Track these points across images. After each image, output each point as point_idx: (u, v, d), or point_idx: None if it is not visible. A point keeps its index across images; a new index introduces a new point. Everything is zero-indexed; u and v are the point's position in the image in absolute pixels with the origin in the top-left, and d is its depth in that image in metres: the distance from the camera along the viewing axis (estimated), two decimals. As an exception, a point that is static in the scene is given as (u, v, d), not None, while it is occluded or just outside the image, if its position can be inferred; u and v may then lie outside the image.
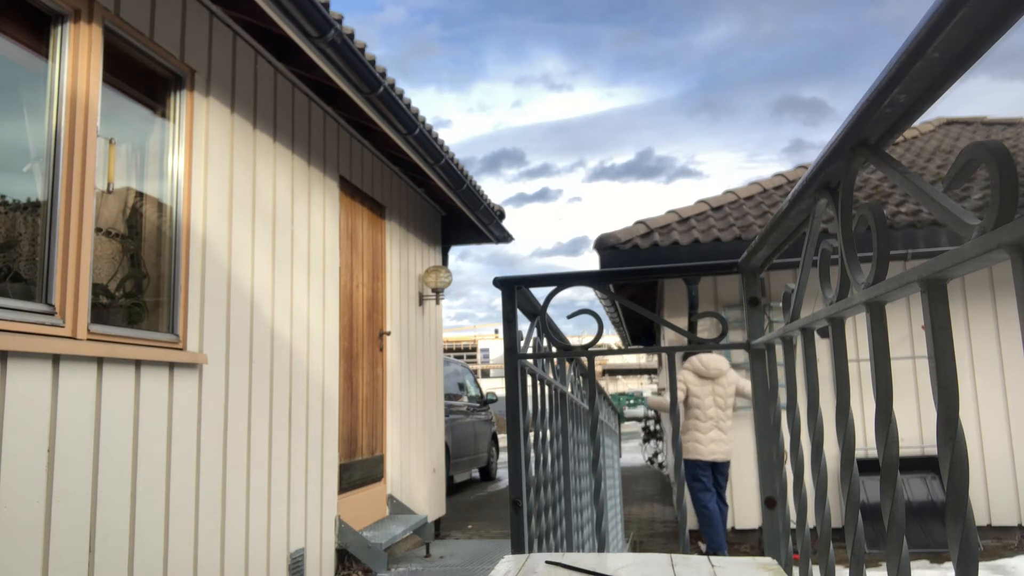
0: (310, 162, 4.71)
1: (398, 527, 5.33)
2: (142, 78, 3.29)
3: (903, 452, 6.20)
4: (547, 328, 1.83)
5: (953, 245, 0.98)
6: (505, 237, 8.01)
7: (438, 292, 6.98)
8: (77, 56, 2.78)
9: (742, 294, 1.65)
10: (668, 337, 8.45)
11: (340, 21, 3.83)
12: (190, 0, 3.50)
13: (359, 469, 5.32)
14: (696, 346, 1.78)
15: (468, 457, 10.41)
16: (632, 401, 33.92)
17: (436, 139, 5.50)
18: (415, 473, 6.40)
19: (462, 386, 10.75)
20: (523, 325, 1.73)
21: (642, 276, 2.03)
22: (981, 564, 4.81)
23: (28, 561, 2.41)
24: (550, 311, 1.84)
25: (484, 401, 11.56)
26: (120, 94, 3.14)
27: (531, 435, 1.71)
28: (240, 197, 3.85)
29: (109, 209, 3.05)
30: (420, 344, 6.81)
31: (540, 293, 1.84)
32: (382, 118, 4.78)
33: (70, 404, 2.61)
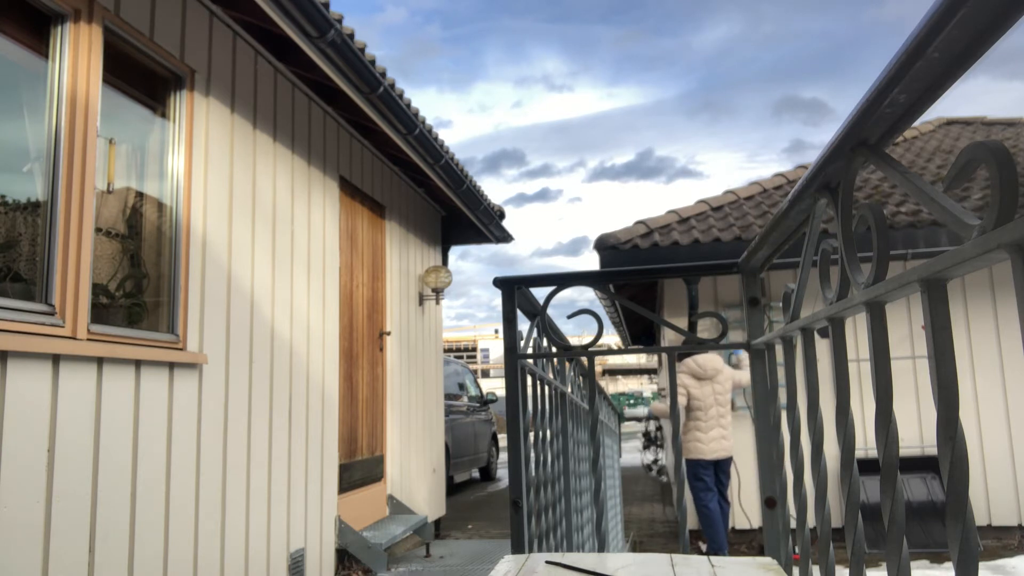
0: (310, 162, 4.71)
1: (398, 527, 5.33)
2: (142, 78, 3.29)
3: (903, 452, 6.20)
4: (547, 328, 1.83)
5: (953, 245, 0.98)
6: (505, 237, 8.01)
7: (438, 292, 6.98)
8: (77, 56, 2.78)
9: (742, 294, 1.65)
10: (668, 337, 8.45)
11: (340, 21, 3.83)
12: (190, 0, 3.50)
13: (359, 469, 5.32)
14: (696, 346, 1.78)
15: (468, 457, 10.41)
16: (632, 401, 33.92)
17: (436, 139, 5.50)
18: (415, 473, 6.40)
19: (462, 386, 10.74)
20: (523, 325, 1.74)
21: (642, 276, 2.03)
22: (981, 564, 4.81)
23: (28, 561, 2.41)
24: (550, 311, 1.84)
25: (484, 401, 11.55)
26: (120, 94, 3.14)
27: (531, 435, 1.71)
28: (240, 197, 3.85)
29: (109, 209, 3.05)
30: (420, 344, 6.81)
31: (540, 293, 1.84)
32: (382, 118, 4.78)
33: (70, 404, 2.61)
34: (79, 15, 2.79)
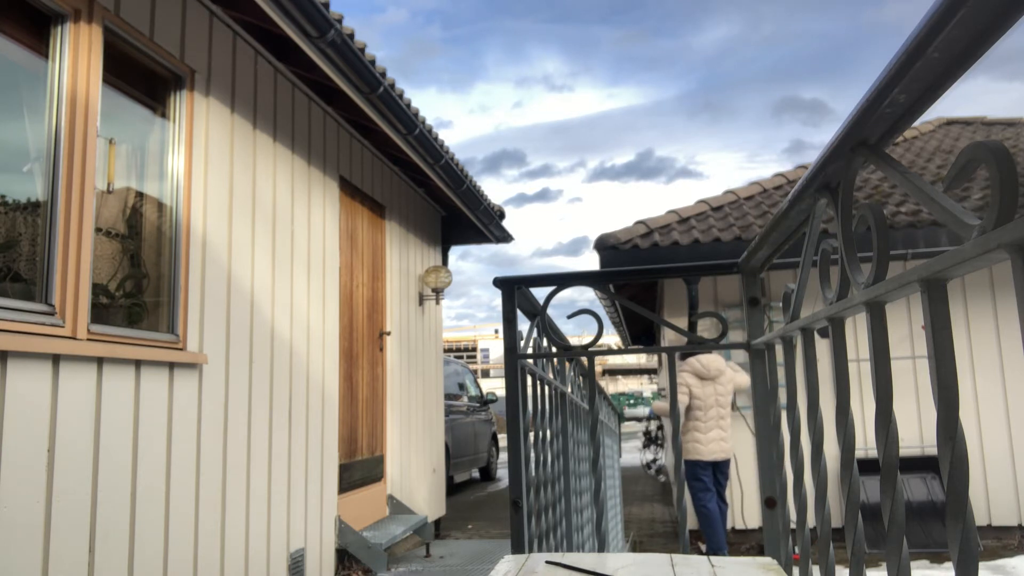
0: (310, 162, 4.71)
1: (398, 527, 5.33)
2: (142, 78, 3.29)
3: (903, 452, 6.20)
4: (547, 328, 1.83)
5: (953, 245, 0.98)
6: (505, 237, 8.01)
7: (438, 292, 6.98)
8: (77, 56, 2.78)
9: (742, 294, 1.65)
10: (668, 337, 8.45)
11: (340, 21, 3.83)
12: (190, 0, 3.50)
13: (359, 469, 5.32)
14: (696, 346, 1.78)
15: (468, 457, 10.41)
16: (632, 401, 33.91)
17: (436, 139, 5.50)
18: (415, 473, 6.40)
19: (462, 386, 10.75)
20: (523, 325, 1.74)
21: (642, 276, 2.03)
22: (981, 564, 4.81)
23: (28, 561, 2.41)
24: (550, 311, 1.84)
25: (484, 401, 11.55)
26: (120, 94, 3.14)
27: (531, 435, 1.71)
28: (240, 197, 3.85)
29: (109, 209, 3.05)
30: (420, 344, 6.81)
31: (540, 293, 1.84)
32: (382, 118, 4.78)
33: (70, 404, 2.61)
34: (79, 15, 2.79)
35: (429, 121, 5.39)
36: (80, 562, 2.62)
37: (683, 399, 5.54)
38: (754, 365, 1.64)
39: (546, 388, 1.84)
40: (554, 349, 1.95)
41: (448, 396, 8.98)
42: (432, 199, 7.20)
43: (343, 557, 4.82)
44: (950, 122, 9.50)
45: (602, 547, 1.77)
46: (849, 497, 0.88)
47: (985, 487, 6.22)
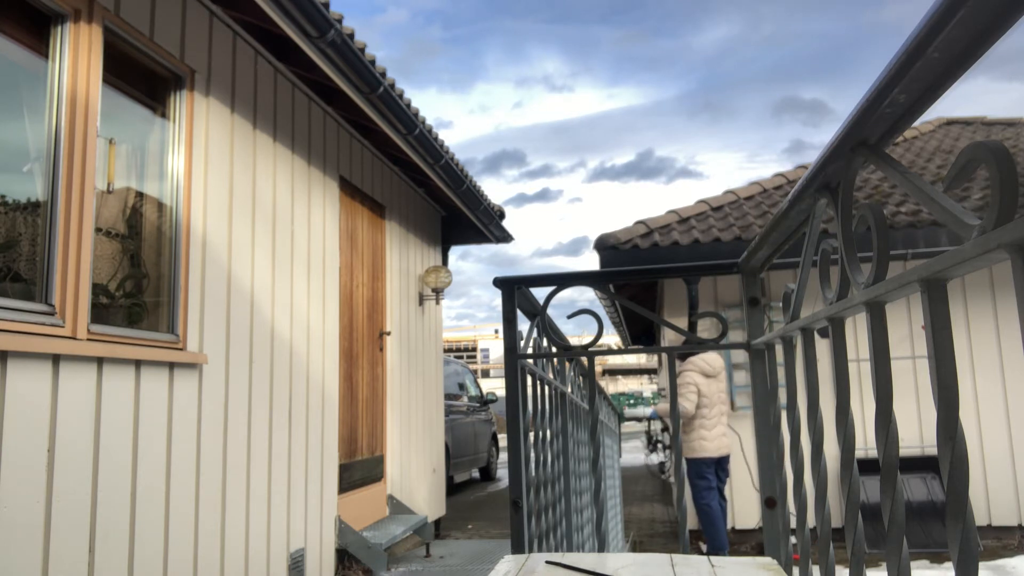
0: (310, 162, 4.71)
1: (398, 527, 5.33)
2: (142, 78, 3.29)
3: (903, 452, 6.20)
4: (547, 328, 1.83)
5: (953, 245, 0.98)
6: (505, 237, 8.01)
7: (438, 292, 6.98)
8: (77, 56, 2.78)
9: (742, 294, 1.65)
10: (668, 337, 8.45)
11: (340, 21, 3.83)
12: (190, 0, 3.50)
13: (359, 469, 5.32)
14: (696, 346, 1.78)
15: (468, 457, 10.41)
16: (632, 401, 33.88)
17: (436, 139, 5.50)
18: (415, 473, 6.40)
19: (462, 386, 10.74)
20: (523, 325, 1.74)
21: (642, 276, 2.03)
22: (981, 564, 4.81)
23: (28, 561, 2.41)
24: (550, 311, 1.84)
25: (484, 401, 11.55)
26: (120, 94, 3.14)
27: (531, 435, 1.71)
28: (240, 197, 3.85)
29: (109, 209, 3.05)
30: (420, 344, 6.81)
31: (540, 293, 1.84)
32: (382, 118, 4.78)
33: (70, 404, 2.61)
34: (79, 15, 2.79)
35: (429, 121, 5.39)
36: (80, 562, 2.62)
37: (693, 398, 5.57)
38: (754, 365, 1.64)
39: (546, 388, 1.84)
40: (554, 349, 1.95)
41: (448, 396, 8.98)
42: (432, 199, 7.20)
43: (343, 557, 4.82)
44: (950, 122, 9.50)
45: (602, 547, 1.77)
46: (849, 497, 0.88)
47: (985, 487, 6.22)
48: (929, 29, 0.58)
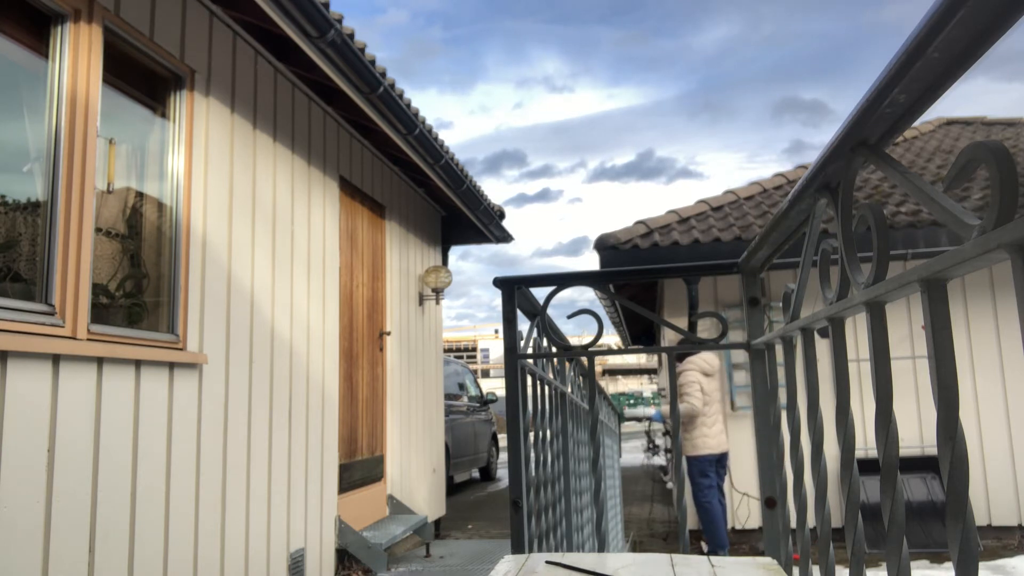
0: (310, 162, 4.71)
1: (398, 527, 5.33)
2: (142, 78, 3.29)
3: (903, 452, 6.20)
4: (547, 328, 1.83)
5: (953, 245, 0.98)
6: (505, 237, 8.01)
7: (438, 292, 6.98)
8: (77, 56, 2.78)
9: (742, 294, 1.65)
10: (668, 337, 8.45)
11: (340, 21, 3.83)
12: (190, 0, 3.50)
13: (359, 469, 5.32)
14: (696, 346, 1.78)
15: (468, 457, 10.41)
16: (632, 401, 33.89)
17: (436, 139, 5.50)
18: (415, 473, 6.40)
19: (462, 386, 10.74)
20: (523, 325, 1.74)
21: (642, 276, 2.03)
22: (981, 564, 4.80)
23: (28, 561, 2.41)
24: (550, 311, 1.84)
25: (484, 401, 11.55)
26: (120, 94, 3.14)
27: (531, 435, 1.71)
28: (240, 197, 3.85)
29: (109, 209, 3.05)
30: (420, 344, 6.81)
31: (540, 293, 1.84)
32: (382, 118, 4.78)
33: (70, 404, 2.61)
34: (79, 15, 2.79)
35: (430, 122, 5.39)
36: (80, 562, 2.62)
37: (699, 395, 5.63)
38: (754, 365, 1.64)
39: (546, 388, 1.84)
40: (554, 349, 1.95)
41: (448, 396, 8.98)
42: (432, 199, 7.20)
43: (343, 557, 4.82)
44: (950, 122, 9.50)
45: (602, 547, 1.77)
46: (849, 497, 0.88)
47: (985, 487, 6.22)
48: (929, 29, 0.58)
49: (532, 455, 1.71)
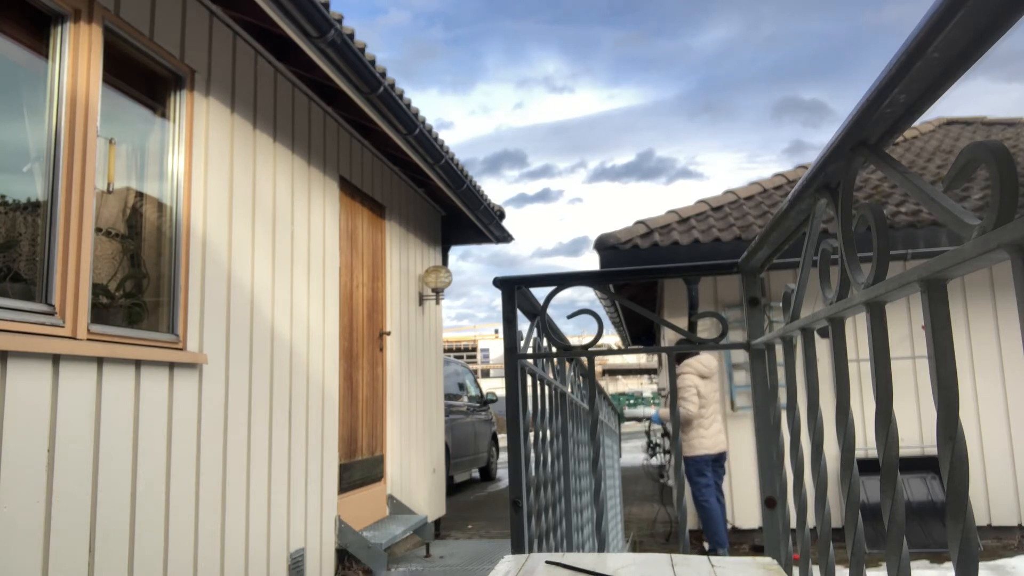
0: (310, 162, 4.71)
1: (398, 527, 5.33)
2: (142, 78, 3.29)
3: (903, 452, 6.20)
4: (547, 328, 1.83)
5: (953, 245, 0.98)
6: (505, 237, 8.01)
7: (438, 292, 6.98)
8: (77, 56, 2.78)
9: (742, 294, 1.65)
10: (668, 337, 8.45)
11: (340, 21, 3.83)
12: (190, 0, 3.50)
13: (359, 469, 5.32)
14: (696, 346, 1.78)
15: (468, 457, 10.41)
16: (632, 401, 33.88)
17: (436, 139, 5.50)
18: (415, 473, 6.40)
19: (462, 386, 10.74)
20: (523, 325, 1.74)
21: (642, 276, 2.03)
22: (981, 564, 4.80)
23: (28, 561, 2.41)
24: (550, 311, 1.84)
25: (484, 401, 11.55)
26: (120, 94, 3.14)
27: (531, 435, 1.71)
28: (240, 197, 3.85)
29: (109, 209, 3.05)
30: (420, 344, 6.81)
31: (540, 293, 1.84)
32: (382, 118, 4.78)
33: (70, 404, 2.61)
34: (79, 15, 2.79)
35: (430, 122, 5.39)
36: (80, 562, 2.62)
37: (695, 399, 5.64)
38: (754, 365, 1.64)
39: (546, 388, 1.84)
40: (554, 349, 1.95)
41: (448, 396, 8.98)
42: (432, 199, 7.20)
43: (343, 557, 4.82)
44: (950, 122, 9.50)
45: (602, 547, 1.77)
46: (849, 497, 0.88)
47: (985, 487, 6.22)
48: (929, 29, 0.58)
49: (532, 455, 1.71)
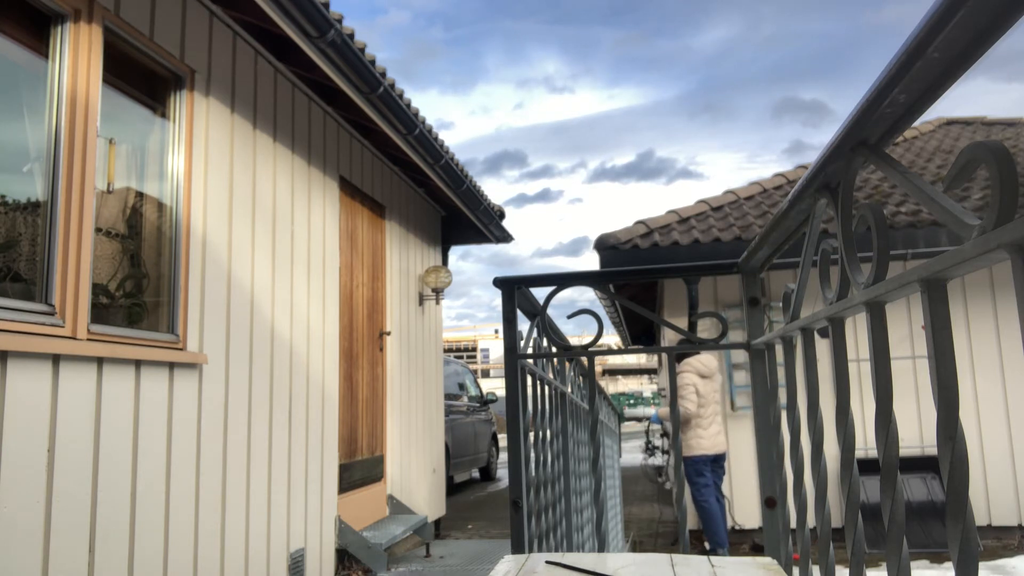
0: (310, 162, 4.71)
1: (398, 527, 5.33)
2: (142, 78, 3.29)
3: (903, 452, 6.20)
4: (547, 328, 1.83)
5: (953, 245, 0.98)
6: (505, 237, 8.01)
7: (438, 292, 6.98)
8: (77, 56, 2.78)
9: (742, 294, 1.65)
10: (668, 337, 8.45)
11: (340, 21, 3.83)
12: (190, 0, 3.50)
13: (359, 469, 5.32)
14: (696, 346, 1.78)
15: (468, 457, 10.41)
16: (632, 401, 33.88)
17: (436, 139, 5.50)
18: (415, 473, 6.40)
19: (462, 386, 10.74)
20: (523, 325, 1.74)
21: (642, 276, 2.03)
22: (981, 564, 4.80)
23: (28, 561, 2.41)
24: (550, 311, 1.84)
25: (484, 401, 11.55)
26: (120, 94, 3.14)
27: (531, 435, 1.71)
28: (240, 197, 3.85)
29: (109, 209, 3.05)
30: (420, 344, 6.81)
31: (540, 293, 1.84)
32: (382, 118, 4.78)
33: (70, 404, 2.61)
34: (79, 15, 2.79)
35: (431, 122, 5.40)
36: (80, 562, 2.62)
37: (694, 398, 5.64)
38: (754, 365, 1.64)
39: (546, 388, 1.84)
40: (554, 349, 1.95)
41: (448, 396, 8.98)
42: (432, 199, 7.20)
43: (343, 557, 4.82)
44: (950, 122, 9.50)
45: (602, 547, 1.77)
46: (849, 497, 0.88)
47: (985, 487, 6.22)
48: (929, 29, 0.58)
49: (532, 455, 1.71)
